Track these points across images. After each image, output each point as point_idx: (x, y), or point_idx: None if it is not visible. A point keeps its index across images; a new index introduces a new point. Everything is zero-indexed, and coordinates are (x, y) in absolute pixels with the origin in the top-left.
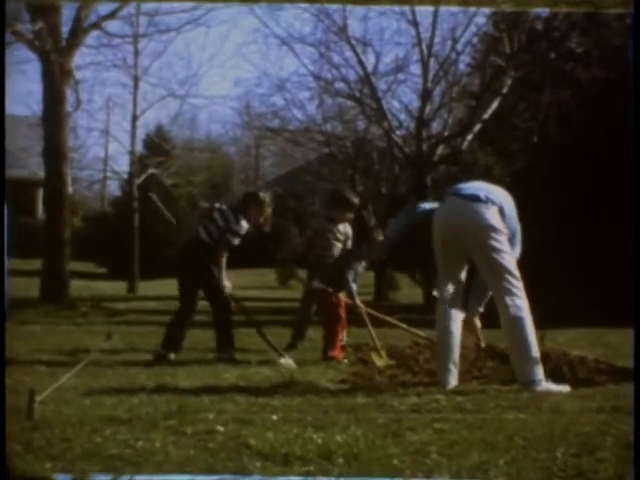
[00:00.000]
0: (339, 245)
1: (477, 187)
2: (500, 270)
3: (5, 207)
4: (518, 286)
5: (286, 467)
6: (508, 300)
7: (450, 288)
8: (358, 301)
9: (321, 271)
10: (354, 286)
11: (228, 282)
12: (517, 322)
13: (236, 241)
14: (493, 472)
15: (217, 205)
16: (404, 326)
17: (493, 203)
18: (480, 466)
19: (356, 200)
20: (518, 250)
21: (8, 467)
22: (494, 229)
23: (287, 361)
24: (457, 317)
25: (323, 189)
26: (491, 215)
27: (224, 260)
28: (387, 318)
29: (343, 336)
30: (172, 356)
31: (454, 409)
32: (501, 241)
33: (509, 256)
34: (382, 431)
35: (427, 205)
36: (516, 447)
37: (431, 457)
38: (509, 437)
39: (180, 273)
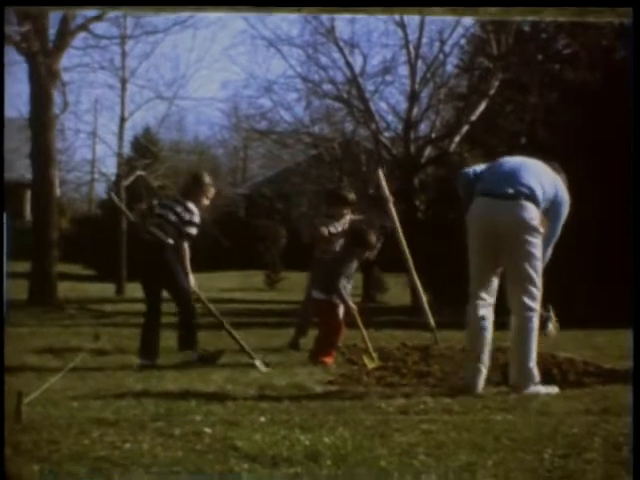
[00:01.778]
0: (340, 241)
1: (505, 179)
2: (524, 277)
3: (4, 212)
4: (536, 295)
5: (273, 469)
6: (524, 308)
7: (482, 289)
8: (351, 303)
9: (317, 281)
10: (349, 287)
11: (193, 279)
12: (527, 329)
13: (194, 231)
14: (481, 473)
15: (156, 201)
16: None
17: (526, 196)
18: (468, 467)
19: (351, 196)
20: (563, 213)
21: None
22: (528, 227)
23: (259, 363)
24: (489, 318)
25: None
26: (524, 211)
27: (188, 256)
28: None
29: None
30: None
31: (442, 410)
32: (534, 244)
33: (538, 262)
34: (370, 432)
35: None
36: (504, 448)
37: (419, 458)
38: (497, 438)
39: (143, 277)
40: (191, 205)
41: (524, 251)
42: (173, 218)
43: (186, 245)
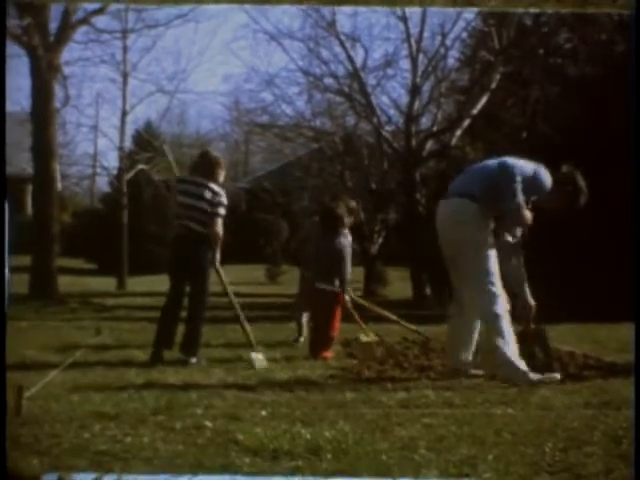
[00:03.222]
0: None
1: (459, 180)
2: (470, 277)
3: (6, 205)
4: (486, 291)
5: (274, 462)
6: (478, 308)
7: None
8: (347, 295)
9: (320, 272)
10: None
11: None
12: (489, 330)
13: (224, 210)
14: (481, 467)
15: (177, 191)
16: (395, 318)
17: (460, 194)
18: (468, 461)
19: (347, 220)
20: (514, 202)
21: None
22: (460, 221)
23: (258, 357)
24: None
25: (320, 205)
26: (455, 205)
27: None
28: (379, 310)
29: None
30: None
31: (442, 404)
32: (472, 240)
33: (483, 259)
34: (370, 426)
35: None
36: (504, 442)
37: (419, 452)
38: (497, 432)
39: (176, 270)
40: (215, 186)
41: (465, 248)
42: (205, 206)
43: (220, 223)
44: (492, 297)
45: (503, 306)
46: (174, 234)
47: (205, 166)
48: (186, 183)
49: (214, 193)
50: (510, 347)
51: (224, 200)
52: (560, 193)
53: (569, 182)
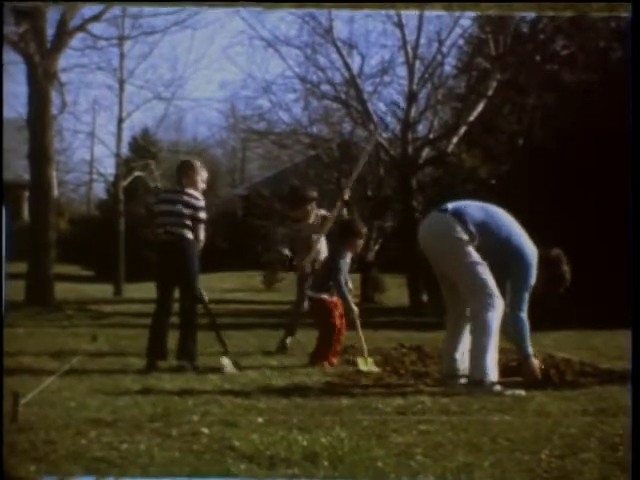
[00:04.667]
0: (321, 238)
1: (460, 203)
2: (463, 277)
3: (3, 212)
4: (477, 295)
5: (271, 469)
6: (476, 306)
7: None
8: (352, 304)
9: (313, 279)
10: (349, 285)
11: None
12: (473, 335)
13: (205, 214)
14: (478, 474)
15: (154, 200)
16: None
17: (452, 212)
18: (465, 468)
19: (312, 193)
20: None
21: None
22: (445, 235)
23: (228, 363)
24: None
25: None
26: (443, 219)
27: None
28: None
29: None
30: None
31: (439, 411)
32: (458, 251)
33: (467, 267)
34: (367, 433)
35: None
36: (501, 449)
37: (416, 459)
38: (494, 439)
39: (163, 276)
40: (194, 191)
41: (451, 260)
42: (187, 211)
43: (203, 228)
44: (486, 304)
45: (496, 314)
46: (159, 242)
47: (181, 174)
48: (164, 193)
49: (193, 197)
50: (490, 353)
51: (203, 204)
52: (542, 273)
53: (553, 265)
